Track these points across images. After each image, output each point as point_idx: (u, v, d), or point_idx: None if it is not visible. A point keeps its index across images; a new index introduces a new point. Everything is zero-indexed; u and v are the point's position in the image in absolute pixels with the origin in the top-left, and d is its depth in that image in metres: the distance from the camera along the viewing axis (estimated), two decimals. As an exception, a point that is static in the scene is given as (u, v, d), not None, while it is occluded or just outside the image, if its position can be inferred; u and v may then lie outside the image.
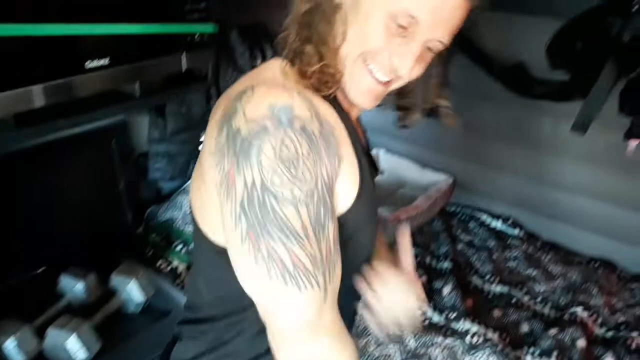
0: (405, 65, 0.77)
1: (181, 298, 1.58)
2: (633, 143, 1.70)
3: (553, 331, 1.74)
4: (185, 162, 2.08)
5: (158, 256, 1.86)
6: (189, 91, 1.40)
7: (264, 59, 2.29)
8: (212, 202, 0.73)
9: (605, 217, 2.10)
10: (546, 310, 1.90)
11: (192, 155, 2.06)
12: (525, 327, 1.80)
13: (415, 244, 2.19)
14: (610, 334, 1.79)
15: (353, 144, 0.78)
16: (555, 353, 1.65)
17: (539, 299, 1.94)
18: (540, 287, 1.99)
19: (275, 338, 0.71)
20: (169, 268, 1.81)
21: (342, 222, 0.75)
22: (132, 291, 1.54)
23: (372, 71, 0.79)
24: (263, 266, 0.66)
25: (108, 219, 1.81)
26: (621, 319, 1.86)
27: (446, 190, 2.39)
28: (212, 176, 0.71)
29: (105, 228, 1.78)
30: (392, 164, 2.65)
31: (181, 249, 1.88)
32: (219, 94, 2.06)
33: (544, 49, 1.83)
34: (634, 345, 1.72)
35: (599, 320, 1.83)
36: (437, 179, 2.46)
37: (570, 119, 1.77)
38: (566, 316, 1.82)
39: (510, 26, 1.97)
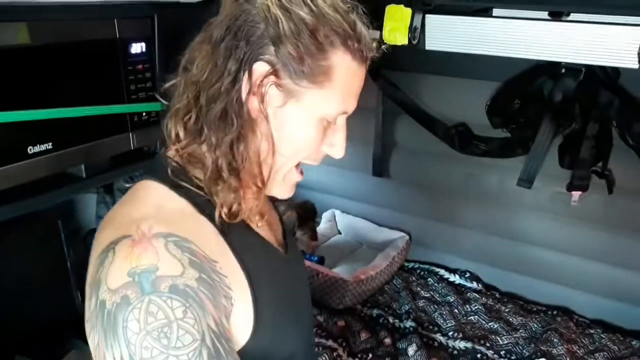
0: (341, 150, 0.80)
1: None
2: (576, 195, 1.78)
3: (520, 384, 1.74)
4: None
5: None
6: (137, 168, 1.39)
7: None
8: None
9: (559, 265, 2.15)
10: (511, 364, 1.89)
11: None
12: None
13: (377, 304, 2.18)
14: (575, 382, 1.80)
15: (252, 252, 0.75)
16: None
17: (502, 352, 1.94)
18: (503, 340, 1.99)
19: None
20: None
21: (249, 350, 0.72)
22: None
23: (301, 169, 0.81)
24: None
25: (57, 301, 1.73)
26: (584, 366, 1.87)
27: (403, 248, 2.40)
28: (90, 339, 0.66)
29: (54, 311, 1.70)
30: (348, 223, 2.67)
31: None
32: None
33: (484, 109, 1.93)
34: (598, 393, 1.74)
35: (564, 369, 1.84)
36: (394, 237, 2.48)
37: (515, 173, 1.85)
38: (531, 367, 1.83)
39: (452, 88, 2.07)
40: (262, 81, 0.70)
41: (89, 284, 0.67)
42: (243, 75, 0.70)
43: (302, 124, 0.74)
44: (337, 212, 2.71)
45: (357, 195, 2.64)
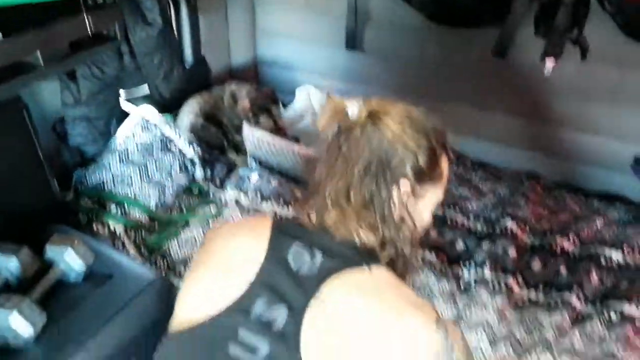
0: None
1: (123, 260, 1.57)
2: (549, 63, 1.77)
3: (486, 245, 1.85)
4: (106, 124, 2.01)
5: (93, 221, 1.81)
6: (98, 52, 1.33)
7: (178, 11, 2.30)
8: None
9: (528, 131, 2.20)
10: (479, 226, 1.99)
11: (112, 116, 2.00)
12: (460, 244, 1.90)
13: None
14: (537, 241, 1.92)
15: None
16: (488, 264, 1.76)
17: (471, 216, 2.03)
18: (472, 205, 2.08)
19: None
20: (106, 231, 1.78)
21: None
22: (70, 260, 1.50)
23: None
24: None
25: (33, 190, 1.74)
26: (547, 225, 1.99)
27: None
28: None
29: (32, 199, 1.72)
30: (324, 101, 2.64)
31: (116, 211, 1.85)
32: (130, 51, 2.00)
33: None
34: (558, 250, 1.86)
35: (527, 229, 1.95)
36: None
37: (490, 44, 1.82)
38: (497, 229, 1.93)
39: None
40: (406, 191, 0.90)
41: None
42: (392, 191, 0.89)
43: (425, 212, 0.97)
44: (312, 89, 2.67)
45: (331, 71, 2.60)
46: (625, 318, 1.60)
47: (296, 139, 2.36)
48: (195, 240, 1.86)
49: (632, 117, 2.04)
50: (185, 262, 1.76)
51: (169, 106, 2.29)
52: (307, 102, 2.65)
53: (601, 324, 1.58)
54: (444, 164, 0.95)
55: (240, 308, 0.83)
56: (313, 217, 0.92)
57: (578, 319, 1.60)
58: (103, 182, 1.91)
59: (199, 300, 0.88)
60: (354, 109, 0.89)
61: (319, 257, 0.84)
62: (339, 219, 0.88)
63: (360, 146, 0.88)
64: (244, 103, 2.30)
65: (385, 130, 0.88)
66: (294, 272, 0.84)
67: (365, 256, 0.86)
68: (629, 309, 1.63)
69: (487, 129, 2.28)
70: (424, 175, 0.90)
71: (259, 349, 0.79)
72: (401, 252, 0.91)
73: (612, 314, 1.61)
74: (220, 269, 0.90)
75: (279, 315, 0.80)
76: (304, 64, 2.63)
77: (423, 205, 0.95)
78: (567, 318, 1.59)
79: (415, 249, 0.96)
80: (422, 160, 0.89)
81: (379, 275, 0.85)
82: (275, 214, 1.93)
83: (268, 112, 2.33)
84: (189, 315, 0.87)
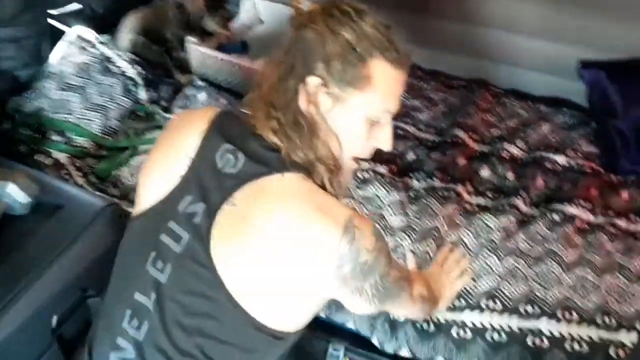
0: (388, 144, 0.98)
1: (71, 190, 1.53)
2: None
3: (436, 154, 1.88)
4: (36, 45, 1.88)
5: (34, 151, 1.73)
6: None
7: None
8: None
9: (477, 38, 2.18)
10: (429, 137, 2.01)
11: (42, 36, 1.86)
12: (411, 155, 1.90)
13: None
14: (486, 148, 1.96)
15: None
16: (437, 173, 1.79)
17: (422, 127, 2.04)
18: (423, 115, 2.09)
19: None
20: (49, 161, 1.71)
21: None
22: (13, 194, 1.44)
23: (358, 160, 1.00)
24: None
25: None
26: (496, 132, 2.03)
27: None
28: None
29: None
30: (271, 10, 2.53)
31: (57, 139, 1.77)
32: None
33: None
34: (506, 156, 1.91)
35: (477, 137, 1.98)
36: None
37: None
38: (448, 139, 1.95)
39: None
40: (314, 91, 0.89)
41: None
42: (299, 87, 0.91)
43: (350, 123, 0.92)
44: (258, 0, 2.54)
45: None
46: (566, 218, 1.68)
47: (244, 44, 2.27)
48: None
49: (575, 20, 2.04)
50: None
51: (106, 23, 2.15)
52: (253, 11, 2.53)
53: (544, 225, 1.65)
54: (376, 70, 0.89)
55: (171, 201, 0.93)
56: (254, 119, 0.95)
57: (523, 222, 1.67)
58: (41, 109, 1.81)
59: (144, 191, 0.99)
60: (304, 4, 0.95)
61: (241, 161, 0.90)
62: (264, 122, 0.92)
63: (290, 46, 0.93)
64: (199, 1, 2.15)
65: (312, 28, 0.90)
66: (218, 171, 0.91)
67: (287, 163, 0.90)
68: (571, 209, 1.71)
69: (436, 37, 2.25)
70: (342, 74, 0.88)
71: (182, 238, 0.90)
72: (321, 170, 0.92)
73: (555, 215, 1.68)
74: (162, 162, 0.98)
75: (199, 210, 0.90)
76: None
77: (348, 114, 0.91)
78: (514, 221, 1.65)
79: (336, 173, 0.93)
80: (334, 57, 0.88)
81: (291, 182, 0.89)
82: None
83: (222, 9, 2.19)
84: (138, 206, 0.99)
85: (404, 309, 1.16)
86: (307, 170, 0.91)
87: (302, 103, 0.91)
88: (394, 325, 1.40)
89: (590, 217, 1.71)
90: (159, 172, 0.97)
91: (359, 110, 0.91)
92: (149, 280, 0.92)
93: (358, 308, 0.95)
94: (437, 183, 1.76)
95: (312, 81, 0.89)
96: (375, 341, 1.42)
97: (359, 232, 0.85)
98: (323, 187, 0.91)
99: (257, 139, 0.92)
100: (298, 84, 0.91)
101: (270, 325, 0.90)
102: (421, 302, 1.15)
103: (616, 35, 2.01)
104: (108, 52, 2.03)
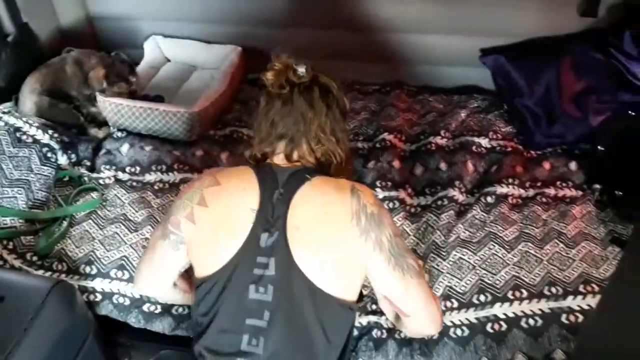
0: None
1: (8, 276, 1.43)
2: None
3: (372, 163, 1.93)
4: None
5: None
6: None
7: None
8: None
9: (389, 44, 2.28)
10: (360, 145, 2.07)
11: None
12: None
13: (227, 123, 2.18)
14: (414, 146, 2.05)
15: None
16: (378, 182, 1.85)
17: (351, 136, 2.07)
18: (349, 125, 2.12)
19: None
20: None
21: None
22: (-55, 295, 1.34)
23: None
24: None
25: None
26: (419, 130, 2.12)
27: (239, 61, 2.34)
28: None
29: None
30: (174, 47, 2.49)
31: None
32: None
33: None
34: (434, 147, 2.00)
35: (403, 138, 2.06)
36: (226, 52, 2.38)
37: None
38: (377, 144, 2.01)
39: None
40: None
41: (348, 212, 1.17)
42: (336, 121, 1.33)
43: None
44: (159, 38, 2.49)
45: (179, 14, 2.44)
46: (499, 198, 1.79)
47: (159, 97, 2.23)
48: (89, 234, 1.72)
49: (468, 13, 2.17)
50: (88, 260, 1.63)
51: (7, 93, 2.04)
52: (157, 52, 2.49)
53: (480, 208, 1.75)
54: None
55: (253, 244, 1.14)
56: (268, 156, 1.28)
57: (461, 212, 1.76)
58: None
59: (214, 251, 1.17)
60: (303, 69, 1.22)
61: (283, 193, 1.17)
62: (292, 152, 1.24)
63: (312, 95, 1.23)
64: (99, 72, 2.07)
65: (323, 83, 1.26)
66: (274, 209, 1.16)
67: (308, 172, 1.21)
68: (501, 189, 1.82)
69: (339, 49, 2.31)
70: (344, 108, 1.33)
71: (268, 263, 1.13)
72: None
73: (488, 198, 1.79)
74: (226, 221, 1.18)
75: (275, 237, 1.14)
76: (147, 11, 2.43)
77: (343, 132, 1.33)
78: (453, 214, 1.74)
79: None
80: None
81: (317, 181, 1.19)
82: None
83: (125, 80, 2.13)
84: (206, 267, 1.18)
85: (423, 293, 1.20)
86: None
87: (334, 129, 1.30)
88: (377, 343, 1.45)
89: (521, 192, 1.84)
90: (227, 233, 1.17)
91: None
92: (257, 304, 1.13)
93: (383, 275, 1.16)
94: (380, 193, 1.80)
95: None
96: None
97: (362, 193, 1.17)
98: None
99: (283, 168, 1.24)
100: (334, 116, 1.29)
101: (343, 297, 1.15)
102: (433, 297, 1.24)
103: (507, 22, 2.16)
104: (15, 122, 1.92)
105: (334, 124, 1.27)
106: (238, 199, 1.18)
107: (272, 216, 1.15)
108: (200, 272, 1.20)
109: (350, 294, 1.18)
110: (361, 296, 1.35)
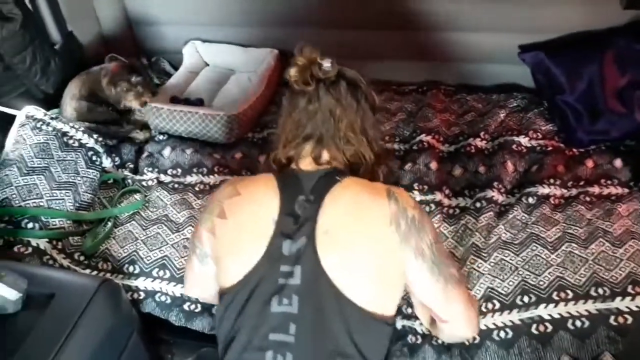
0: None
1: (58, 274, 1.49)
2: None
3: (409, 165, 1.91)
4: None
5: (11, 243, 1.67)
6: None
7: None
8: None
9: (424, 43, 2.26)
10: (396, 146, 2.06)
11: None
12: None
13: (265, 125, 2.21)
14: (452, 147, 2.02)
15: None
16: (415, 185, 1.83)
17: (387, 138, 2.07)
18: (385, 127, 2.12)
19: None
20: (29, 250, 1.66)
21: None
22: (1, 292, 1.41)
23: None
24: None
25: None
26: (457, 130, 2.09)
27: (275, 64, 2.37)
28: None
29: None
30: (213, 52, 2.54)
31: (32, 225, 1.72)
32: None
33: None
34: (473, 150, 1.97)
35: (441, 138, 2.04)
36: (263, 55, 2.41)
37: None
38: (414, 146, 2.00)
39: None
40: None
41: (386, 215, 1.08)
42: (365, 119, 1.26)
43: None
44: (198, 43, 2.55)
45: (216, 19, 2.48)
46: (541, 199, 1.75)
47: (200, 101, 2.27)
48: (133, 234, 1.77)
49: (509, 9, 2.13)
50: (131, 260, 1.69)
51: (56, 99, 2.12)
52: (196, 56, 2.54)
53: (522, 209, 1.71)
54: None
55: (274, 253, 1.07)
56: (293, 159, 1.19)
57: (501, 212, 1.73)
58: (8, 200, 1.75)
59: (235, 261, 1.11)
60: (328, 63, 1.14)
61: (311, 198, 1.10)
62: (320, 153, 1.16)
63: (339, 90, 1.16)
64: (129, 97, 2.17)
65: (350, 77, 1.19)
66: (298, 215, 1.09)
67: (338, 174, 1.14)
68: (542, 189, 1.78)
69: (380, 48, 2.30)
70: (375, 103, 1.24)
71: (293, 271, 1.05)
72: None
73: (530, 199, 1.75)
74: (246, 231, 1.12)
75: (302, 241, 1.07)
76: (186, 17, 2.48)
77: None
78: (492, 215, 1.70)
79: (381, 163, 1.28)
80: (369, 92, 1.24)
81: (348, 182, 1.12)
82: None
83: (127, 80, 2.18)
84: (231, 276, 1.10)
85: (464, 302, 1.16)
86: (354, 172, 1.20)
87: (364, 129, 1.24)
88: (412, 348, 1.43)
89: (563, 192, 1.79)
90: (246, 243, 1.11)
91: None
92: (281, 317, 1.05)
93: (425, 286, 1.11)
94: (417, 197, 1.79)
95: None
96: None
97: (399, 195, 1.10)
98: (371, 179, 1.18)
99: (309, 173, 1.16)
100: (361, 114, 1.22)
101: (377, 311, 1.06)
102: (472, 301, 1.22)
103: (546, 18, 2.11)
104: (62, 127, 1.99)
105: (365, 121, 1.19)
106: (258, 208, 1.12)
107: (295, 223, 1.08)
108: (223, 284, 1.13)
109: (385, 307, 1.08)
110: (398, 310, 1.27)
